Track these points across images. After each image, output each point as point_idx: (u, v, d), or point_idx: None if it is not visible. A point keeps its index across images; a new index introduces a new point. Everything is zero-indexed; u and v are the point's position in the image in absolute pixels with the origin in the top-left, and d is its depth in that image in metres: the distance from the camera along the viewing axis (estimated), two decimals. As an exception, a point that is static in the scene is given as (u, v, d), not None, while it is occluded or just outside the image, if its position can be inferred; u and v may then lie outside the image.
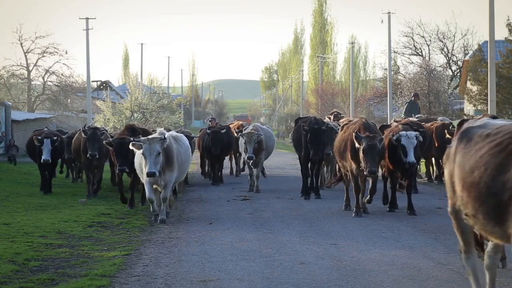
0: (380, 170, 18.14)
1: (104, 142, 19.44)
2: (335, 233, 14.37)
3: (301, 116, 24.77)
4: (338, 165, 18.82)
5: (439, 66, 57.96)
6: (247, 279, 10.30)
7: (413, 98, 31.98)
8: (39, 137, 23.11)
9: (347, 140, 17.16)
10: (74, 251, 12.40)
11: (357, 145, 16.42)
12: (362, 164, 16.28)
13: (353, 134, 16.54)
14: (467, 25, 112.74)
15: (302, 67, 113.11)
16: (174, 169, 15.77)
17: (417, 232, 14.43)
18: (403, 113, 30.85)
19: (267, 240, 13.64)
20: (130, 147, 15.74)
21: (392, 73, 57.83)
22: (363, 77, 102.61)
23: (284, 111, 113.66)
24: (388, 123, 19.23)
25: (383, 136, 17.17)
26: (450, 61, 59.91)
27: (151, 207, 16.10)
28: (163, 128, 17.29)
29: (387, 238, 13.69)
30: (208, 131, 25.98)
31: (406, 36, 60.51)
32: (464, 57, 55.42)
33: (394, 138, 16.98)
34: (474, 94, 43.22)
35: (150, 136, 15.90)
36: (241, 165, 31.00)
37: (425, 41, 60.41)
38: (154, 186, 15.84)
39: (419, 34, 60.33)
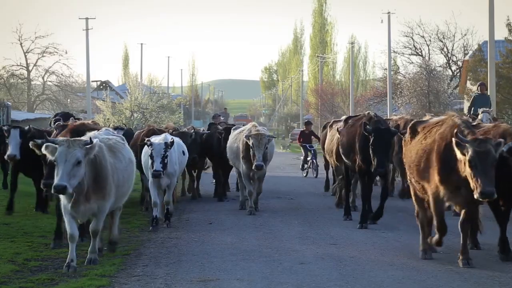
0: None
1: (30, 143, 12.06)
2: (335, 233, 14.36)
3: (335, 119, 19.61)
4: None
5: (439, 66, 57.87)
6: (247, 279, 10.30)
7: (479, 89, 24.64)
8: (5, 128, 18.31)
9: (429, 151, 11.42)
10: (74, 251, 12.36)
11: (459, 155, 10.73)
12: (472, 184, 10.55)
13: (454, 139, 10.78)
14: (467, 25, 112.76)
15: (302, 67, 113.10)
16: (107, 195, 11.32)
17: (417, 232, 14.32)
18: (469, 109, 23.61)
19: (267, 240, 13.63)
20: (43, 151, 11.05)
21: (392, 73, 57.79)
22: (363, 77, 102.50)
23: (284, 111, 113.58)
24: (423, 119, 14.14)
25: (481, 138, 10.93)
26: (450, 61, 59.85)
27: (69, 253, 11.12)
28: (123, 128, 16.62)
29: (387, 238, 13.68)
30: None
31: (406, 36, 60.45)
32: (464, 57, 55.33)
33: (505, 149, 10.98)
34: (473, 94, 43.19)
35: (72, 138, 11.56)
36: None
37: (425, 41, 60.35)
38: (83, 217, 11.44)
39: (419, 34, 60.26)
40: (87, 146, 10.88)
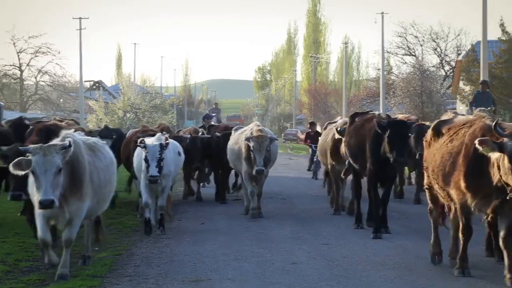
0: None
1: None
2: (327, 233, 14.35)
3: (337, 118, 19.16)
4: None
5: (432, 66, 57.99)
6: (239, 279, 10.28)
7: (481, 87, 24.39)
8: None
9: (456, 154, 10.37)
10: (65, 251, 12.32)
11: (492, 155, 9.64)
12: (510, 183, 9.43)
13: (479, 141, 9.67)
14: (460, 25, 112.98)
15: (295, 67, 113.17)
16: (84, 196, 10.32)
17: (409, 232, 14.43)
18: (470, 105, 23.60)
19: (259, 240, 13.61)
20: (11, 170, 9.88)
21: (385, 73, 57.87)
22: (356, 77, 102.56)
23: (277, 111, 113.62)
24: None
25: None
26: (443, 61, 59.97)
27: (46, 257, 10.57)
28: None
29: (379, 238, 13.66)
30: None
31: (400, 36, 60.57)
32: (457, 57, 55.47)
33: None
34: (467, 94, 43.27)
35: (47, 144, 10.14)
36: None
37: (418, 41, 60.46)
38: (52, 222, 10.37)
39: (412, 34, 60.39)
40: (64, 150, 9.88)
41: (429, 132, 11.43)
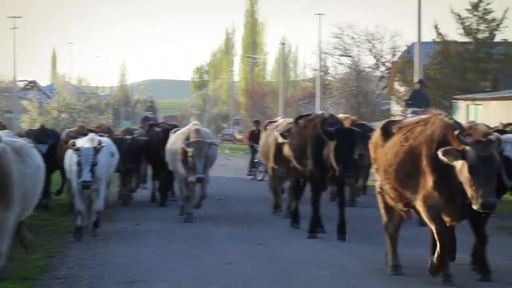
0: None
1: None
2: (264, 233, 14.35)
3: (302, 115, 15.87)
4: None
5: (368, 67, 58.57)
6: (174, 280, 10.20)
7: (418, 86, 24.43)
8: None
9: (416, 154, 9.92)
10: (-4, 254, 12.06)
11: (443, 158, 9.36)
12: (469, 193, 9.23)
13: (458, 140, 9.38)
14: (395, 27, 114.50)
15: (233, 67, 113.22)
16: (11, 205, 9.65)
17: (348, 232, 14.47)
18: (406, 103, 23.63)
19: (195, 240, 13.54)
20: None
21: (322, 73, 58.27)
22: (293, 77, 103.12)
23: (214, 111, 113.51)
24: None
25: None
26: (379, 62, 60.57)
27: None
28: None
29: (315, 238, 13.70)
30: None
31: (336, 37, 60.93)
32: (393, 58, 56.14)
33: None
34: (402, 94, 43.83)
35: None
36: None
37: (355, 42, 60.95)
38: None
39: (348, 36, 60.85)
40: None
41: (378, 132, 10.87)
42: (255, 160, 27.08)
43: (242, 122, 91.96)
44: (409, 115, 19.63)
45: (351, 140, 13.35)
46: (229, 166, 33.62)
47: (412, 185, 9.88)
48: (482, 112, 33.16)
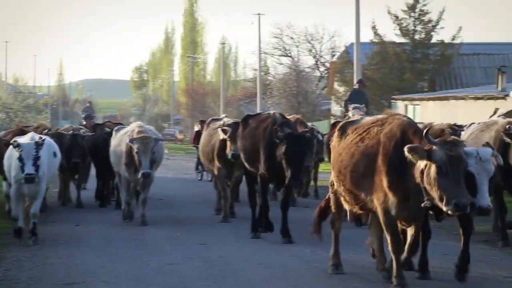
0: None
1: None
2: (204, 234, 14.32)
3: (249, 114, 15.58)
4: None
5: (308, 67, 59.00)
6: (113, 281, 10.13)
7: (357, 86, 24.87)
8: None
9: (373, 154, 9.59)
10: None
11: (408, 155, 9.01)
12: (437, 194, 8.82)
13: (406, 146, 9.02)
14: (334, 27, 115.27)
15: (173, 67, 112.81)
16: None
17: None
18: (345, 103, 23.59)
19: (135, 241, 13.46)
20: None
21: (262, 73, 58.49)
22: (233, 77, 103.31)
23: (154, 111, 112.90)
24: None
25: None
26: (318, 62, 61.04)
27: None
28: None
29: (256, 238, 13.73)
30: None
31: (276, 37, 61.23)
32: (332, 59, 56.63)
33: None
34: (341, 94, 44.22)
35: None
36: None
37: (294, 42, 61.32)
38: None
39: (288, 36, 61.19)
40: None
41: (336, 133, 10.49)
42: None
43: (182, 122, 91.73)
44: (350, 113, 19.85)
45: (301, 148, 12.90)
46: (170, 166, 33.42)
47: (367, 185, 9.55)
48: (420, 112, 33.70)
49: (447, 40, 43.73)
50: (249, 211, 14.31)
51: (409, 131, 9.30)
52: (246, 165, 14.04)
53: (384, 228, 9.50)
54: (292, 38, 61.15)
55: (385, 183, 9.28)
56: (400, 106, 36.29)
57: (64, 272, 10.76)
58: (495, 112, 17.18)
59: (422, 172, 8.90)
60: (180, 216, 17.07)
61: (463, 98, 30.50)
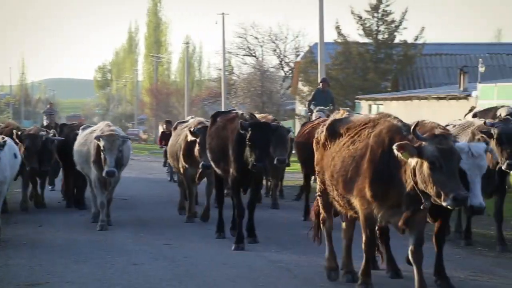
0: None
1: None
2: (169, 234, 14.28)
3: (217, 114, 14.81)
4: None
5: (272, 67, 59.12)
6: (78, 282, 10.08)
7: (321, 85, 24.70)
8: None
9: (360, 158, 9.25)
10: None
11: (410, 159, 8.62)
12: (432, 191, 8.47)
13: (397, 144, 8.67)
14: (298, 27, 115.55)
15: (137, 66, 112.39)
16: None
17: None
18: (309, 102, 23.45)
19: (99, 242, 13.38)
20: None
21: (227, 73, 58.48)
22: (198, 77, 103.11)
23: (118, 110, 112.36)
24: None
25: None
26: (283, 62, 61.20)
27: None
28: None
29: (220, 238, 13.71)
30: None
31: (240, 37, 61.30)
32: (296, 59, 56.79)
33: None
34: (305, 94, 44.36)
35: None
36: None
37: (258, 42, 61.42)
38: None
39: (252, 36, 61.26)
40: None
41: (323, 132, 10.06)
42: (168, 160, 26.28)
43: (146, 122, 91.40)
44: (315, 114, 19.89)
45: (266, 134, 12.72)
46: (134, 166, 33.19)
47: (352, 186, 9.25)
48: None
49: (410, 40, 44.13)
50: (214, 211, 14.19)
51: (397, 136, 8.88)
52: (212, 164, 13.82)
53: (363, 230, 9.22)
54: (256, 38, 61.27)
55: (367, 189, 8.94)
56: (364, 106, 36.50)
57: (27, 272, 10.67)
58: (471, 110, 17.34)
59: (414, 170, 8.55)
60: (144, 216, 16.99)
61: (426, 98, 30.77)
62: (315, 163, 10.26)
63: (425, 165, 8.43)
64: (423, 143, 8.51)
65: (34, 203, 18.65)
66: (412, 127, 8.63)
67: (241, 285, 10.01)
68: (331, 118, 10.40)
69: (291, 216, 16.37)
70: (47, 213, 17.53)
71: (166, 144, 25.12)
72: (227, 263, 11.35)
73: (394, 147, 8.56)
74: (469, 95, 26.79)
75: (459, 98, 27.77)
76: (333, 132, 9.80)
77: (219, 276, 10.42)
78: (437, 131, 8.68)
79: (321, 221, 10.35)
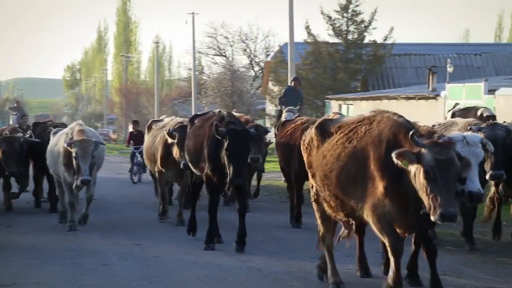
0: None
1: None
2: (139, 234, 14.25)
3: (197, 113, 15.27)
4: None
5: (242, 67, 59.05)
6: (46, 283, 10.03)
7: (292, 83, 24.46)
8: None
9: (362, 157, 8.89)
10: None
11: (397, 161, 8.37)
12: (426, 201, 8.26)
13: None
14: (268, 27, 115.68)
15: (106, 66, 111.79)
16: None
17: (220, 231, 14.51)
18: (280, 100, 23.20)
19: (69, 242, 13.33)
20: None
21: (197, 73, 58.38)
22: (168, 76, 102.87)
23: (87, 110, 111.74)
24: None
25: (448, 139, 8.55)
26: (253, 62, 61.18)
27: None
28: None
29: (190, 238, 13.69)
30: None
31: (210, 36, 61.18)
32: (266, 58, 56.83)
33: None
34: (275, 94, 44.40)
35: None
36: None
37: (229, 42, 61.34)
38: None
39: (222, 35, 61.17)
40: None
41: (312, 132, 9.66)
42: (135, 161, 25.66)
43: (116, 122, 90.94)
44: (284, 115, 19.88)
45: (244, 144, 12.07)
46: (104, 166, 32.96)
47: (358, 192, 8.80)
48: (353, 112, 34.04)
49: (379, 40, 44.30)
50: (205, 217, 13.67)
51: (400, 133, 8.59)
52: (191, 166, 13.41)
53: (380, 233, 8.72)
54: (226, 37, 61.17)
55: (380, 190, 8.57)
56: (334, 106, 36.62)
57: (-5, 274, 10.59)
58: (454, 107, 17.37)
59: (414, 176, 8.32)
60: (114, 216, 16.93)
61: (395, 98, 30.92)
62: (306, 166, 9.82)
63: (421, 172, 8.20)
64: (422, 149, 8.24)
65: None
66: (410, 134, 8.34)
67: (211, 285, 10.00)
68: (322, 118, 10.20)
69: (262, 216, 16.41)
70: (16, 213, 17.40)
71: (135, 144, 25.17)
72: (197, 263, 11.34)
73: (393, 155, 8.29)
74: (438, 95, 26.98)
75: (428, 98, 27.96)
76: (324, 132, 9.47)
77: (189, 276, 10.41)
78: (439, 138, 8.37)
79: (320, 239, 9.81)
